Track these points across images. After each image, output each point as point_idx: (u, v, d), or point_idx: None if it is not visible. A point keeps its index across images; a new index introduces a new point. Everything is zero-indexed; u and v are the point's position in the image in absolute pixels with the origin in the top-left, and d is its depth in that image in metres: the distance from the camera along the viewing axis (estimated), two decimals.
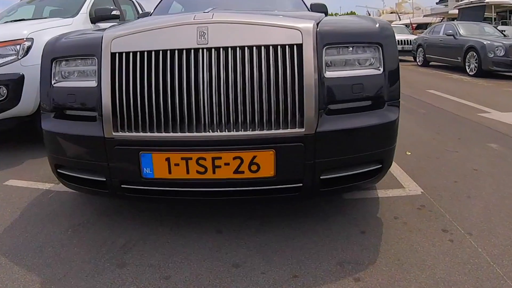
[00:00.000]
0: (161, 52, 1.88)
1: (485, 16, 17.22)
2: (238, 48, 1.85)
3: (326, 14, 3.61)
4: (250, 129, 1.85)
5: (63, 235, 2.35)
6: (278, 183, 1.93)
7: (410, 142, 4.20)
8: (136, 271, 1.98)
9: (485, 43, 9.89)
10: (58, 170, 2.24)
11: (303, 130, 1.86)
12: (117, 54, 1.94)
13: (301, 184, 1.96)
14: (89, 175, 2.11)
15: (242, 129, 1.86)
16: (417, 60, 13.76)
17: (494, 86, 8.74)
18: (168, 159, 1.88)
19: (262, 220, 2.48)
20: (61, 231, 2.39)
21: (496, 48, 9.58)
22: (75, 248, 2.20)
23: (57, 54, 2.16)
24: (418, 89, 8.17)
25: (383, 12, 58.81)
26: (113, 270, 1.99)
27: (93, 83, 2.03)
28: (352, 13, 53.01)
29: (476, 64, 10.09)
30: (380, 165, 2.14)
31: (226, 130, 1.86)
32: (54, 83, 2.16)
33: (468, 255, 2.08)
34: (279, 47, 1.85)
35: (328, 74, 1.94)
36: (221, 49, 1.86)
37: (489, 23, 14.52)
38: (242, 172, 1.87)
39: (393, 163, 2.62)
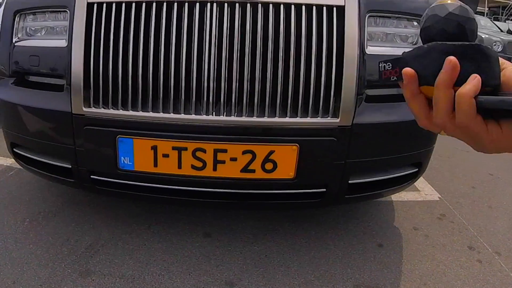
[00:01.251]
0: (154, 3, 1.36)
1: (477, 10, 16.88)
2: (259, 5, 1.34)
3: None
4: (269, 115, 1.37)
5: (19, 226, 1.87)
6: (297, 187, 1.47)
7: None
8: (102, 283, 1.51)
9: (483, 36, 9.43)
10: (15, 150, 1.72)
11: (337, 120, 1.39)
12: (95, 5, 1.41)
13: (324, 190, 1.50)
14: (52, 159, 1.60)
15: (258, 114, 1.37)
16: None
17: None
18: (154, 148, 1.38)
19: (259, 222, 2.03)
20: (17, 221, 1.91)
21: (494, 43, 9.16)
22: (30, 246, 1.73)
23: (21, 5, 1.61)
24: None
25: None
26: (74, 279, 1.53)
27: (63, 43, 1.50)
28: None
29: None
30: (417, 169, 1.71)
31: (236, 114, 1.37)
32: (16, 42, 1.62)
33: (500, 281, 1.78)
34: (314, 7, 1.35)
35: (370, 49, 1.46)
36: (237, 4, 1.34)
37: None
38: (253, 171, 1.39)
39: None
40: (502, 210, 2.49)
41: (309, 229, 2.00)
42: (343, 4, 1.37)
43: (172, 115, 1.36)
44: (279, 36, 1.34)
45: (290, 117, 1.36)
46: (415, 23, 1.58)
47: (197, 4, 1.34)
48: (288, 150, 1.36)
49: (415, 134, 1.59)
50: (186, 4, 1.35)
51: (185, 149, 1.36)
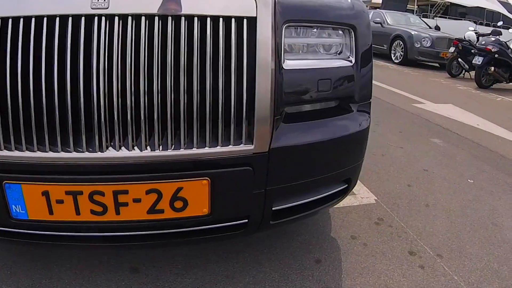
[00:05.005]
0: (33, 20, 1.07)
1: (407, 8, 17.53)
2: (157, 18, 1.09)
3: None
4: (172, 147, 1.14)
5: None
6: (215, 222, 1.26)
7: None
8: None
9: (412, 33, 9.76)
10: None
11: (251, 147, 1.19)
12: None
13: (246, 221, 1.31)
14: None
15: (160, 147, 1.14)
16: None
17: (421, 75, 8.67)
18: (46, 194, 1.12)
19: (188, 250, 1.81)
20: None
21: (423, 39, 9.49)
22: None
23: None
24: None
25: None
26: None
27: None
28: None
29: (402, 53, 9.97)
30: (346, 185, 1.56)
31: (134, 148, 1.13)
32: None
33: (445, 286, 1.71)
34: (221, 20, 1.13)
35: (288, 63, 1.28)
36: (130, 17, 1.08)
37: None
38: (161, 211, 1.17)
39: None
40: (440, 207, 2.43)
41: (241, 251, 1.81)
42: (255, 15, 1.15)
43: (61, 154, 1.09)
44: (179, 53, 1.10)
45: (197, 148, 1.14)
46: (340, 32, 1.43)
47: (83, 19, 1.07)
48: (198, 186, 1.14)
49: (342, 151, 1.43)
50: (70, 19, 1.07)
51: (80, 193, 1.11)
